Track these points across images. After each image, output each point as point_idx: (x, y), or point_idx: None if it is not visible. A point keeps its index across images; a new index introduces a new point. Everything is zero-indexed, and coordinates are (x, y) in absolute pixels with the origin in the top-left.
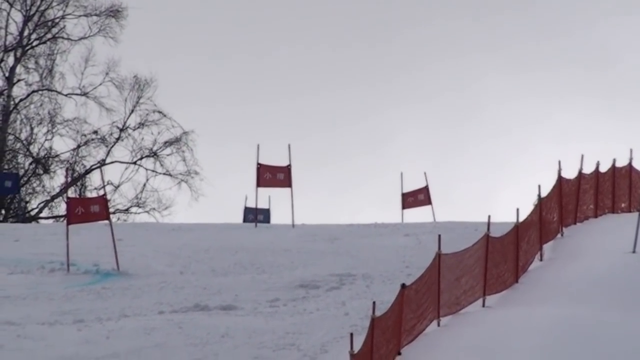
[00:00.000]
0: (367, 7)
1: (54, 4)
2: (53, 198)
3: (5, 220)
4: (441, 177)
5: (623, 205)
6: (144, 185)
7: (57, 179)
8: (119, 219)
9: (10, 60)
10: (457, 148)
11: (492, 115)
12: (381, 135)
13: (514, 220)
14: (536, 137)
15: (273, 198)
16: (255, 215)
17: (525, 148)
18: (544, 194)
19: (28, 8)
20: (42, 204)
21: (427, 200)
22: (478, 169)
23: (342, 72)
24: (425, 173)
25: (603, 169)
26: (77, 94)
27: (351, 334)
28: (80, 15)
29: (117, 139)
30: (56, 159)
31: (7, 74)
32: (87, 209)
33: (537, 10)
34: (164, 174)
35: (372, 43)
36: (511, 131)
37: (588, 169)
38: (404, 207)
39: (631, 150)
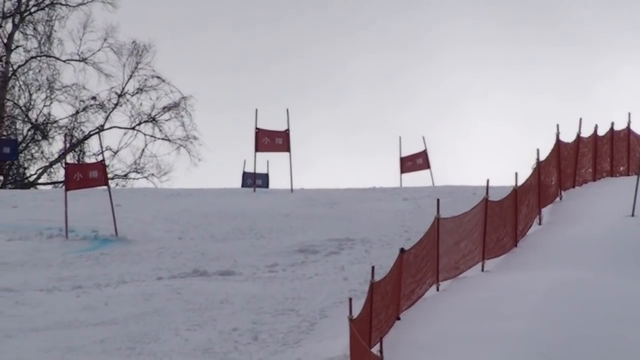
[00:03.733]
0: None
1: None
2: (51, 164)
3: (3, 186)
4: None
5: (622, 168)
6: (143, 150)
7: (55, 144)
8: (117, 184)
9: (9, 26)
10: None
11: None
12: (378, 98)
13: (513, 184)
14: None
15: (271, 163)
16: (254, 180)
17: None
18: (542, 157)
19: None
20: (40, 170)
21: (426, 164)
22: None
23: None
24: (423, 137)
25: (601, 132)
26: (75, 60)
27: (350, 299)
28: None
29: (116, 105)
30: (55, 124)
31: (5, 41)
32: (86, 175)
33: None
34: (163, 139)
35: None
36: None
37: (586, 133)
38: (402, 171)
39: (629, 114)
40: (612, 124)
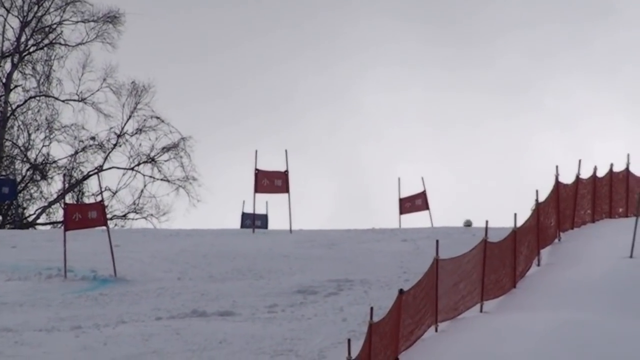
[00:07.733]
0: None
1: (51, 10)
2: (50, 204)
3: (2, 226)
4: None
5: (620, 210)
6: (142, 191)
7: (54, 185)
8: (116, 225)
9: (8, 66)
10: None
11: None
12: (373, 136)
13: (512, 225)
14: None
15: (271, 204)
16: (253, 221)
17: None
18: (541, 198)
19: (25, 14)
20: (39, 210)
21: (425, 206)
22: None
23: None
24: (422, 178)
25: (600, 173)
26: (74, 100)
27: (349, 340)
28: (77, 21)
29: (115, 145)
30: (54, 165)
31: (4, 80)
32: (85, 215)
33: None
34: (162, 179)
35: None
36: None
37: (585, 174)
38: (401, 213)
39: (628, 155)
40: (612, 165)
